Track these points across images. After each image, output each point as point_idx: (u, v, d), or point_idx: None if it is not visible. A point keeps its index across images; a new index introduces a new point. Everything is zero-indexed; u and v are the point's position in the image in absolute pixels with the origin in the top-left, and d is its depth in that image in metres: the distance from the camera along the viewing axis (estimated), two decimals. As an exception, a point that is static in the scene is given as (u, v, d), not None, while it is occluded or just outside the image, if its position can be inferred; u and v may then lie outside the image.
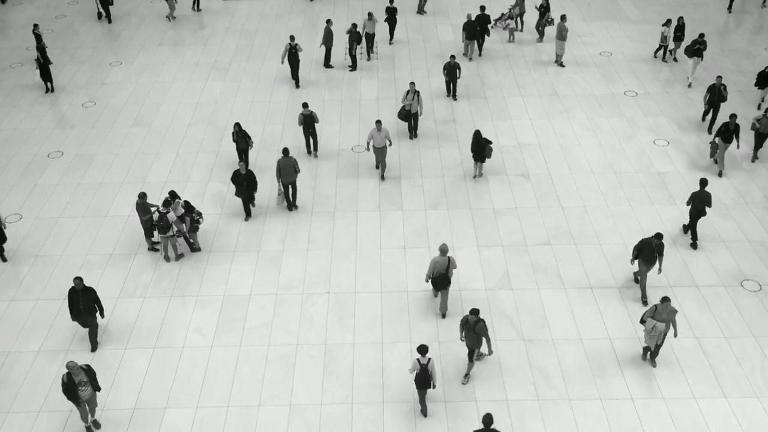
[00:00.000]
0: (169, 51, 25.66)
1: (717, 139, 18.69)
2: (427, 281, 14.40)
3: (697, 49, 22.11)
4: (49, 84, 22.97)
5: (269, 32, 26.98)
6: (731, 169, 18.88)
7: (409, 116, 19.98)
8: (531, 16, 27.75)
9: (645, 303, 14.83)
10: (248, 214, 17.29)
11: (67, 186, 18.76)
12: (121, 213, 17.73)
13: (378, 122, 17.83)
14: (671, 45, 25.25)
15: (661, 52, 25.00)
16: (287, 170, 17.17)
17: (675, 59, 24.18)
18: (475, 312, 12.48)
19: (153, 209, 16.11)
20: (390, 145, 18.48)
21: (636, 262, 15.75)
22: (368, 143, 18.21)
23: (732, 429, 12.43)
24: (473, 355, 13.01)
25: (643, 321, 13.04)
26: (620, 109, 21.70)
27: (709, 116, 21.14)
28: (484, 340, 13.23)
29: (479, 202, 17.92)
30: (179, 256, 16.26)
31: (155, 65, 24.69)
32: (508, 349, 13.98)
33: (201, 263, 16.20)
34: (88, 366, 11.98)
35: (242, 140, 18.40)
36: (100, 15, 27.45)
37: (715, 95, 19.73)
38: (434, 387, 12.35)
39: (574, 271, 15.79)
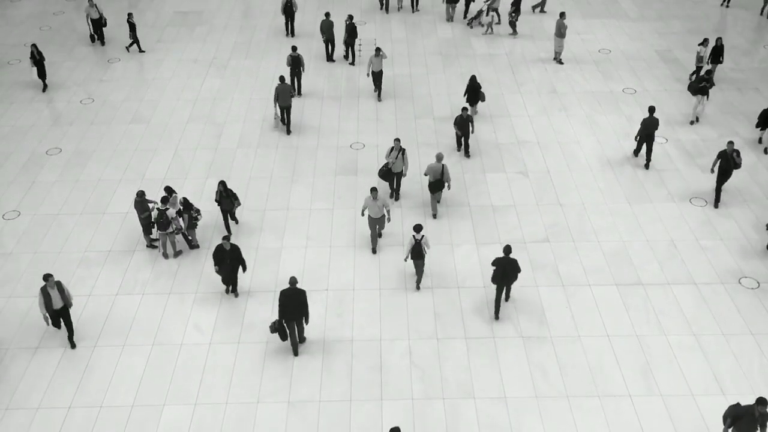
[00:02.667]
0: (167, 48, 25.61)
1: None
2: (429, 187, 16.87)
3: (702, 87, 20.01)
4: (44, 81, 22.81)
5: (268, 29, 26.94)
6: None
7: (391, 175, 17.39)
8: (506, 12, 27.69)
9: None
10: (228, 287, 15.13)
11: (66, 183, 18.74)
12: (119, 210, 17.72)
13: (373, 190, 15.50)
14: (707, 66, 22.83)
15: (696, 74, 22.58)
16: (283, 95, 19.87)
17: (713, 83, 21.71)
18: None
19: (151, 206, 16.10)
20: (389, 217, 15.94)
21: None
22: (363, 211, 15.89)
23: (730, 426, 12.47)
24: None
25: None
26: (619, 107, 21.70)
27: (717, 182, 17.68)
28: None
29: (478, 199, 17.92)
30: (177, 253, 16.25)
31: (153, 62, 24.65)
32: (506, 346, 14.00)
33: (199, 260, 16.19)
34: None
35: (227, 200, 16.21)
36: (93, 38, 25.67)
37: (728, 162, 16.94)
38: (426, 252, 15.04)
39: (572, 269, 15.80)
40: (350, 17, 23.50)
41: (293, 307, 13.28)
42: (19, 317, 14.79)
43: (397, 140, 17.18)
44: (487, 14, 26.11)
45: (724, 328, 14.33)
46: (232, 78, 23.58)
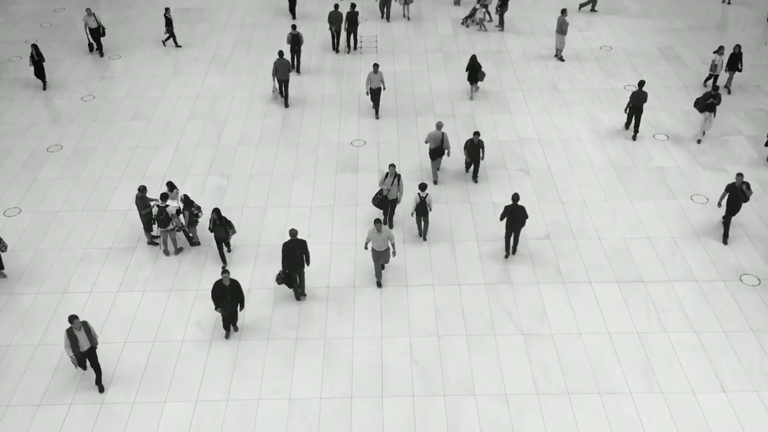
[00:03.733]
0: (168, 45, 25.59)
1: None
2: (430, 153, 17.83)
3: (710, 104, 19.18)
4: (43, 81, 22.70)
5: (268, 26, 26.92)
6: (733, 164, 18.88)
7: (386, 203, 16.46)
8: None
9: None
10: (228, 331, 14.17)
11: (67, 180, 18.74)
12: (120, 207, 17.72)
13: (377, 221, 14.50)
14: (722, 74, 22.68)
15: (710, 81, 22.28)
16: (282, 69, 20.93)
17: (729, 91, 21.92)
18: None
19: (152, 203, 16.11)
20: (394, 251, 15.08)
21: None
22: (366, 245, 15.02)
23: (730, 423, 12.46)
24: None
25: None
26: (620, 104, 21.67)
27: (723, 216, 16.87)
28: None
29: (479, 196, 17.91)
30: (178, 251, 16.26)
31: (154, 59, 24.64)
32: (507, 343, 14.00)
33: (200, 257, 16.20)
34: None
35: (221, 229, 15.32)
36: (91, 47, 25.00)
37: (736, 196, 16.09)
38: (431, 210, 15.94)
39: (573, 266, 15.80)
40: (353, 6, 24.08)
41: (294, 258, 14.35)
42: (20, 315, 14.81)
43: (392, 166, 16.10)
44: (485, 10, 26.18)
45: (725, 325, 14.33)
46: (233, 75, 23.57)
